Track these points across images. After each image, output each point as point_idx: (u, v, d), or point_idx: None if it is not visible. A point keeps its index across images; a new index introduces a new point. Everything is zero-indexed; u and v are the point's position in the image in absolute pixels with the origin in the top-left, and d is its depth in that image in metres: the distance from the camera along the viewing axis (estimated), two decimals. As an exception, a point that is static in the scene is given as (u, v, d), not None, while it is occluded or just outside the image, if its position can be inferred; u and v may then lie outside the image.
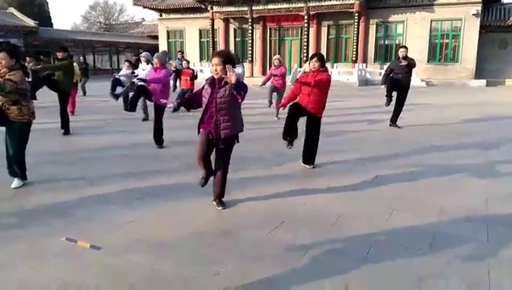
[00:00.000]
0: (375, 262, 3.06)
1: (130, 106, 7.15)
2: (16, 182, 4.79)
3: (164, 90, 6.96)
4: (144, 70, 9.10)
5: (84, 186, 4.86)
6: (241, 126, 4.07)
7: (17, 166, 4.77)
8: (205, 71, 24.68)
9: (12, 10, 33.38)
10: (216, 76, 3.80)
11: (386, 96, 9.12)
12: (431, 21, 24.54)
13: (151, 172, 5.38)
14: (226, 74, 3.65)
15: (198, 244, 3.38)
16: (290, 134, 5.67)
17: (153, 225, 3.80)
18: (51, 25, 44.02)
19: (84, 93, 16.17)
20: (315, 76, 5.38)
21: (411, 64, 8.76)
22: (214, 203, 4.18)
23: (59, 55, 8.32)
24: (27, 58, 11.99)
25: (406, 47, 9.09)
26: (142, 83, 7.10)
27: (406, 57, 8.85)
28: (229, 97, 3.79)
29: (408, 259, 3.10)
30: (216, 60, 3.75)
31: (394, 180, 5.16)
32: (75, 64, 10.10)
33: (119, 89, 9.27)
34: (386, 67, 9.73)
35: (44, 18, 41.82)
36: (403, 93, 9.02)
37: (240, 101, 3.82)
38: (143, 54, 9.73)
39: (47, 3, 48.73)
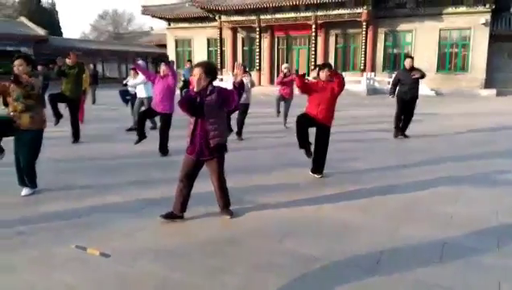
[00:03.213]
0: (385, 272, 3.03)
1: (140, 136, 7.09)
2: (26, 190, 4.83)
3: (166, 99, 6.98)
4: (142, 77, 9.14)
5: (93, 194, 4.89)
6: (226, 136, 4.11)
7: (27, 175, 4.79)
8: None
9: (23, 19, 33.89)
10: (197, 88, 3.84)
11: (395, 127, 9.01)
12: (440, 30, 24.47)
13: (159, 181, 5.40)
14: (208, 83, 3.82)
15: (207, 253, 3.37)
16: (304, 143, 5.68)
17: (161, 233, 3.82)
18: (60, 34, 44.64)
19: (94, 102, 16.32)
20: (329, 86, 5.43)
21: (423, 76, 8.74)
22: (222, 212, 4.18)
23: (70, 61, 8.31)
24: (38, 66, 12.16)
25: (412, 58, 9.08)
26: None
27: (413, 67, 8.84)
28: (217, 105, 3.84)
29: (418, 270, 3.07)
30: (197, 70, 3.85)
31: (404, 189, 5.13)
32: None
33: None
34: (393, 76, 9.70)
35: (54, 27, 42.43)
36: (412, 103, 8.98)
37: (233, 105, 3.95)
38: (140, 62, 9.79)
39: (57, 12, 49.50)
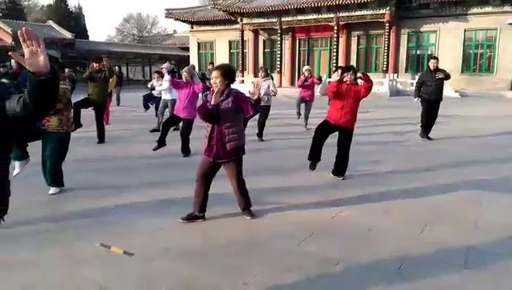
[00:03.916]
0: (407, 277, 3.00)
1: (160, 144, 7.24)
2: (53, 189, 4.96)
3: (189, 105, 7.06)
4: (167, 81, 9.26)
5: (117, 193, 4.99)
6: (244, 138, 4.11)
7: (52, 175, 4.91)
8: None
9: (51, 22, 34.88)
10: (216, 90, 3.88)
11: (421, 126, 8.97)
12: (465, 31, 23.97)
13: (181, 181, 5.47)
14: (226, 86, 3.85)
15: (227, 253, 3.40)
16: (315, 155, 5.67)
17: (183, 233, 3.87)
18: (87, 37, 45.69)
19: (118, 103, 16.62)
20: (354, 89, 5.39)
21: (447, 77, 8.60)
22: (243, 213, 4.21)
23: (97, 66, 8.47)
24: (66, 69, 12.47)
25: (437, 58, 8.93)
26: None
27: (437, 68, 8.70)
28: (233, 109, 3.86)
29: (441, 276, 3.02)
30: (215, 73, 3.88)
31: (427, 193, 5.05)
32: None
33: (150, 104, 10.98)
34: (417, 78, 9.56)
35: (81, 31, 43.49)
36: (436, 104, 8.84)
37: (249, 114, 3.98)
38: (164, 65, 9.91)
39: (84, 16, 50.75)
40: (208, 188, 4.08)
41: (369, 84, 5.34)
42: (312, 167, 5.74)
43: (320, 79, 11.24)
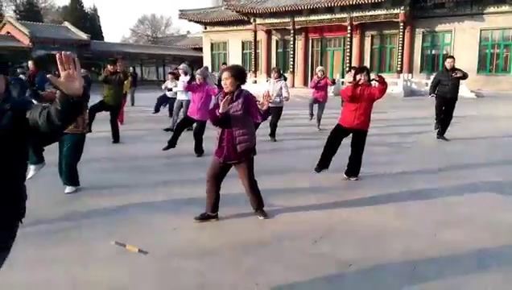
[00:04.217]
0: (422, 279, 2.98)
1: (170, 144, 7.33)
2: (69, 188, 5.05)
3: (203, 106, 7.09)
4: (184, 82, 9.32)
5: (131, 192, 5.05)
6: (255, 139, 4.11)
7: (68, 175, 5.00)
8: (247, 82, 24.90)
9: (67, 24, 35.41)
10: (227, 91, 3.90)
11: (436, 119, 8.91)
12: (481, 30, 23.61)
13: (195, 180, 5.50)
14: (236, 87, 3.87)
15: (239, 253, 3.42)
16: (325, 163, 5.66)
17: (196, 232, 3.90)
18: (102, 38, 46.26)
19: (133, 104, 16.78)
20: (368, 91, 5.35)
21: (465, 76, 8.49)
22: (256, 213, 4.22)
23: (111, 68, 8.58)
24: (82, 70, 12.63)
25: (453, 58, 8.83)
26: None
27: (454, 68, 8.60)
28: (243, 111, 3.87)
29: (457, 277, 2.99)
30: (225, 74, 3.88)
31: (441, 194, 5.00)
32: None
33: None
34: (432, 77, 9.47)
35: (96, 32, 44.05)
36: (452, 104, 8.74)
37: (257, 120, 3.99)
38: (181, 66, 9.96)
39: (99, 17, 51.38)
40: (219, 188, 4.10)
41: (383, 86, 5.29)
42: (318, 170, 5.71)
43: (333, 81, 11.18)
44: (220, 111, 3.80)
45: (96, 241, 3.62)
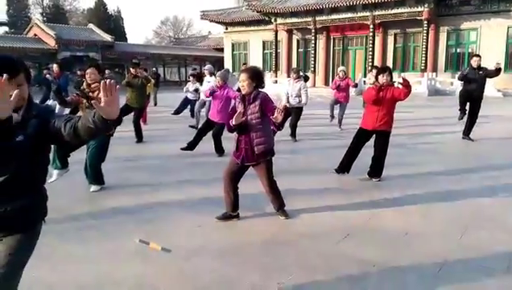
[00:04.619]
0: (447, 281, 2.93)
1: (190, 146, 7.39)
2: (94, 187, 5.16)
3: (223, 109, 7.12)
4: (209, 82, 9.40)
5: (154, 191, 5.13)
6: (273, 140, 4.09)
7: (92, 175, 5.12)
8: (267, 82, 24.86)
9: (91, 26, 36.13)
10: (244, 92, 3.91)
11: (460, 109, 8.78)
12: (508, 27, 22.96)
13: (216, 180, 5.49)
14: (253, 89, 3.88)
15: (262, 252, 3.43)
16: (346, 167, 5.60)
17: (219, 231, 3.93)
18: (125, 39, 47.04)
19: (155, 104, 17.00)
20: (390, 92, 5.27)
21: (498, 72, 8.28)
22: (277, 213, 4.22)
23: (133, 71, 8.79)
24: (106, 71, 12.95)
25: (479, 56, 8.62)
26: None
27: (480, 67, 8.40)
28: (260, 113, 3.86)
29: (483, 280, 2.93)
30: (243, 76, 3.89)
31: (467, 195, 4.89)
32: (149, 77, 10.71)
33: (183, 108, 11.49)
34: (459, 73, 9.25)
35: (119, 33, 44.85)
36: (477, 103, 8.54)
37: (272, 125, 4.00)
38: (206, 67, 10.02)
39: (123, 19, 52.24)
40: (236, 187, 4.10)
41: (407, 89, 5.19)
42: (338, 172, 5.66)
43: (355, 85, 11.05)
44: (233, 123, 3.84)
45: (120, 239, 3.69)
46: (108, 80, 1.69)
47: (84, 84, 5.13)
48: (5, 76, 1.58)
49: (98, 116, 1.69)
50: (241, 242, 3.65)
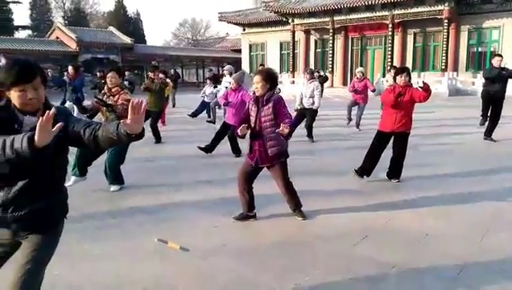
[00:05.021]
0: (467, 283, 2.88)
1: (208, 148, 7.42)
2: (114, 186, 5.25)
3: (238, 112, 7.12)
4: (229, 82, 9.43)
5: (172, 191, 5.18)
6: (286, 143, 4.07)
7: (111, 175, 5.21)
8: (284, 83, 24.88)
9: (111, 28, 36.74)
10: (257, 94, 3.92)
11: (482, 115, 8.62)
12: (532, 25, 22.40)
13: (233, 181, 5.53)
14: (267, 90, 3.88)
15: (279, 253, 3.44)
16: (366, 172, 5.53)
17: (235, 231, 3.95)
18: (144, 41, 47.68)
19: (174, 105, 17.17)
20: (409, 93, 5.20)
21: None
22: (294, 214, 4.22)
23: (152, 75, 8.97)
24: (126, 72, 13.18)
25: (501, 56, 8.44)
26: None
27: (501, 67, 8.22)
28: (273, 115, 3.86)
29: (503, 284, 2.87)
30: (257, 78, 3.90)
31: (488, 197, 4.80)
32: (168, 80, 10.90)
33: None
34: (480, 75, 9.17)
35: (139, 36, 45.47)
36: (499, 104, 8.36)
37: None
38: (226, 67, 10.08)
39: (142, 22, 53.08)
40: (251, 188, 4.12)
41: (427, 93, 5.10)
42: (358, 173, 5.57)
43: (374, 90, 10.91)
44: (239, 134, 3.90)
45: (139, 238, 3.74)
46: (137, 100, 1.78)
47: (105, 88, 5.21)
48: (52, 111, 1.66)
49: (122, 130, 1.77)
50: (258, 243, 3.66)
